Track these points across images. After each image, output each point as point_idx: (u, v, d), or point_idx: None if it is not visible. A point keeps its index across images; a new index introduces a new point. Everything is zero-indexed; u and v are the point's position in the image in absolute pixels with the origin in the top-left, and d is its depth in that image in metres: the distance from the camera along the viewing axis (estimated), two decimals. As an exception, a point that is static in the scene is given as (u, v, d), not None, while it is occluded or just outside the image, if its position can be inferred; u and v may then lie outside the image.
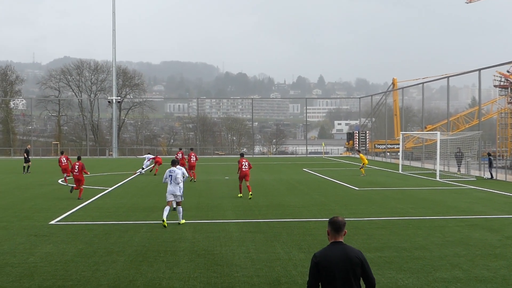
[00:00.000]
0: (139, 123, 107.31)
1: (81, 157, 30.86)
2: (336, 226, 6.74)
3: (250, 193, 27.22)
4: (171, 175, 19.49)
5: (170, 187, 19.52)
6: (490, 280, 12.18)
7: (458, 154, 45.87)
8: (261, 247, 15.39)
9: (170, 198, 19.52)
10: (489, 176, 40.87)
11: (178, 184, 19.46)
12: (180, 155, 39.48)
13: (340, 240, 6.74)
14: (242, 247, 15.46)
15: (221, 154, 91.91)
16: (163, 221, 18.85)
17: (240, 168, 27.92)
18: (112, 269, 13.11)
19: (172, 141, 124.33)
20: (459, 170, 44.51)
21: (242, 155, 29.36)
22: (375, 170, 48.54)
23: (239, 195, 28.12)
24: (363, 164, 42.99)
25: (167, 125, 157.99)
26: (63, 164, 37.64)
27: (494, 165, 41.77)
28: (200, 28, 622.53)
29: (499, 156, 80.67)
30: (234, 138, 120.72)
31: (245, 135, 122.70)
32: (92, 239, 16.79)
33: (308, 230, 18.17)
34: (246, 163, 27.91)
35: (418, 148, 75.00)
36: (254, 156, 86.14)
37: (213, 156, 79.82)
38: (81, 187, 27.71)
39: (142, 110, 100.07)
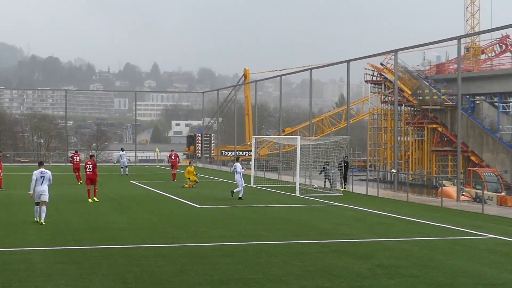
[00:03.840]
0: None
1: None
2: None
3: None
4: (43, 176, 24.30)
5: (40, 188, 24.19)
6: (358, 317, 12.63)
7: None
8: (74, 283, 15.12)
9: (39, 198, 24.24)
10: (329, 186, 43.02)
11: (49, 184, 24.43)
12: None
13: None
14: (50, 282, 15.11)
15: (24, 162, 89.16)
16: (37, 220, 24.34)
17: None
18: None
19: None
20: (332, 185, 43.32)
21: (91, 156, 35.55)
22: (221, 182, 49.06)
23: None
24: (190, 179, 43.78)
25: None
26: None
27: (364, 177, 43.30)
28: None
29: (370, 167, 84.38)
30: (42, 141, 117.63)
31: (56, 137, 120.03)
32: None
33: (135, 259, 18.06)
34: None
35: (275, 156, 76.74)
36: (67, 164, 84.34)
37: (14, 164, 77.16)
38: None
39: None
